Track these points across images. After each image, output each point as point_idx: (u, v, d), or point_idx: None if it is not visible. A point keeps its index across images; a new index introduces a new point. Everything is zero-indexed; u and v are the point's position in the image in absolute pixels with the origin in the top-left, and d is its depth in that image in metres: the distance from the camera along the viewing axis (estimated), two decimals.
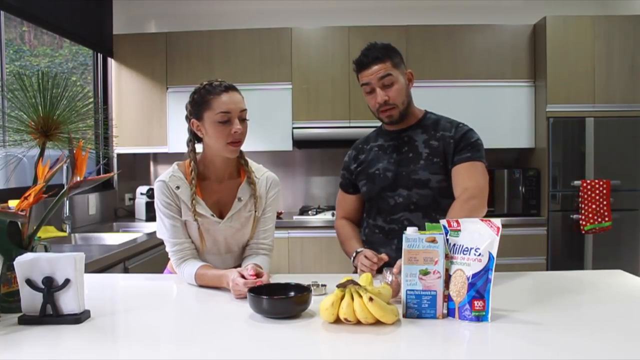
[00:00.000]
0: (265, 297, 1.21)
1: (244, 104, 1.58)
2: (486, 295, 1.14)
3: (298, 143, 3.79)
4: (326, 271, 3.45)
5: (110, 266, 2.45)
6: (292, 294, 1.27)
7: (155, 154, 4.17)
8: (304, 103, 3.74)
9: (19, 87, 1.31)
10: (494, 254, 1.15)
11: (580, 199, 3.45)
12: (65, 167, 1.94)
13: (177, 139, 3.69)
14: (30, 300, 1.18)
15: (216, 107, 1.52)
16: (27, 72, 1.38)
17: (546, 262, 3.51)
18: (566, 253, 3.53)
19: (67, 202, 3.10)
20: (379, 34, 3.21)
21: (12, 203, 1.80)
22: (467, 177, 1.65)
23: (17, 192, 2.32)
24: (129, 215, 3.91)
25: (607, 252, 3.48)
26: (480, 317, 1.14)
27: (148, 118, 3.79)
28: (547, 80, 3.50)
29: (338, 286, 1.17)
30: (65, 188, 1.34)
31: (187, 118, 1.61)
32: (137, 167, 4.18)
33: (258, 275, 1.37)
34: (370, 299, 1.11)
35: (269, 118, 3.68)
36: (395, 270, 1.33)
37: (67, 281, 1.17)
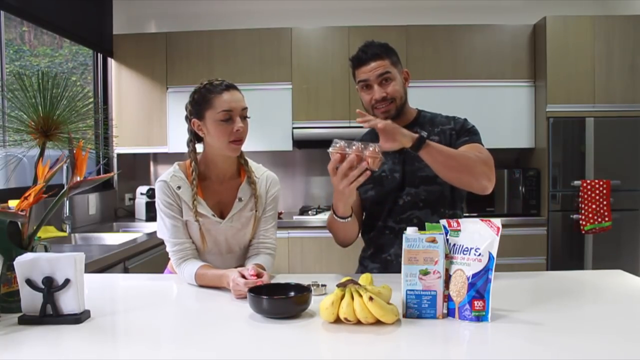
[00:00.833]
0: (265, 297, 1.21)
1: (245, 103, 1.58)
2: (486, 295, 1.14)
3: (298, 143, 3.80)
4: (326, 271, 3.43)
5: (110, 266, 2.45)
6: (292, 294, 1.27)
7: (155, 154, 4.17)
8: (304, 103, 3.74)
9: (19, 87, 1.31)
10: (494, 254, 1.15)
11: (580, 199, 3.45)
12: (65, 167, 1.94)
13: (177, 139, 3.69)
14: (30, 300, 1.17)
15: (218, 105, 1.52)
16: (27, 72, 1.38)
17: (546, 262, 3.51)
18: (566, 253, 3.54)
19: (67, 202, 3.10)
20: (379, 34, 3.19)
21: (12, 203, 1.79)
22: (469, 150, 1.65)
23: (17, 192, 2.31)
24: (129, 215, 3.91)
25: (607, 252, 3.48)
26: (480, 317, 1.14)
27: (148, 118, 3.80)
28: (547, 80, 3.50)
29: (338, 286, 1.17)
30: (65, 188, 1.34)
31: (188, 118, 1.61)
32: (137, 167, 4.18)
33: (258, 275, 1.36)
34: (370, 299, 1.11)
35: (269, 118, 3.68)
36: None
37: (67, 281, 1.17)
